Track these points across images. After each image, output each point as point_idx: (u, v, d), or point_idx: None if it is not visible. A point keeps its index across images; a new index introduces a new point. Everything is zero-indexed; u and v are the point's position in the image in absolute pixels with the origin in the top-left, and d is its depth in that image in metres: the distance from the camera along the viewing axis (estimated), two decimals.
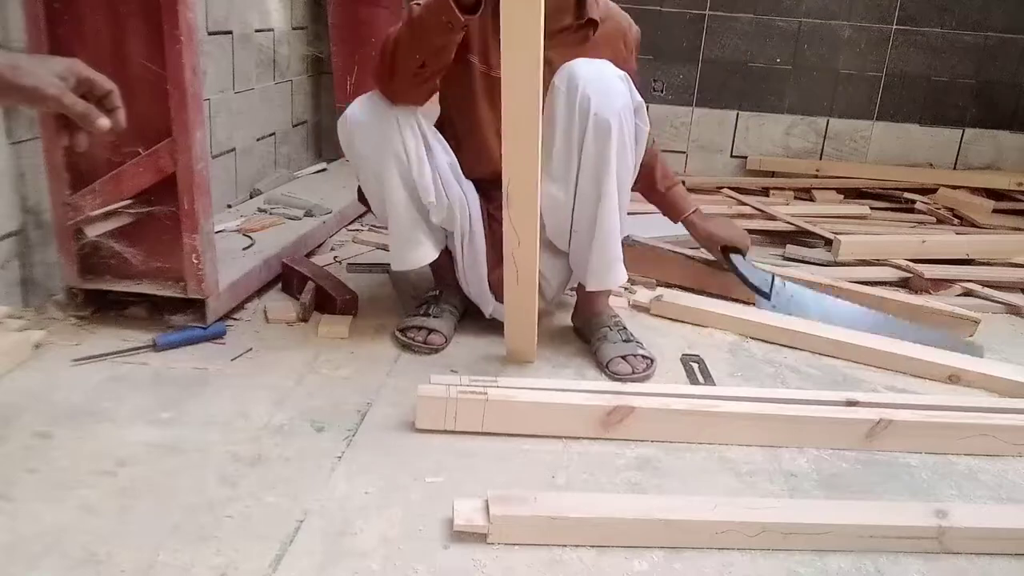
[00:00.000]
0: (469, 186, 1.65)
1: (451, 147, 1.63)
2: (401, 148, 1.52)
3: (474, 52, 1.60)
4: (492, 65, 1.60)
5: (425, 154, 1.55)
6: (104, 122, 0.98)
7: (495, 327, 1.73)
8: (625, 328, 1.68)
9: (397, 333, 1.66)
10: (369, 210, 1.73)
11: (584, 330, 1.74)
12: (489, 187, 1.67)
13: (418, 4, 1.40)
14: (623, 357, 1.59)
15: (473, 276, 1.68)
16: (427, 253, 1.64)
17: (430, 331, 1.64)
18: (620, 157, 1.51)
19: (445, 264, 1.71)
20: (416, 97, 1.55)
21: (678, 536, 1.10)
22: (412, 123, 1.53)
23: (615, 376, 1.57)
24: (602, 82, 1.48)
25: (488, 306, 1.71)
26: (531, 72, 1.26)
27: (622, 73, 1.51)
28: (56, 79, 0.94)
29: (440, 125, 1.71)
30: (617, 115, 1.48)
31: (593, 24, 1.61)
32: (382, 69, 1.49)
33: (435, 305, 1.71)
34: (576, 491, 1.22)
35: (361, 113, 1.54)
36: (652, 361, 1.61)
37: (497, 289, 1.64)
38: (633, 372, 1.57)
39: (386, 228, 1.71)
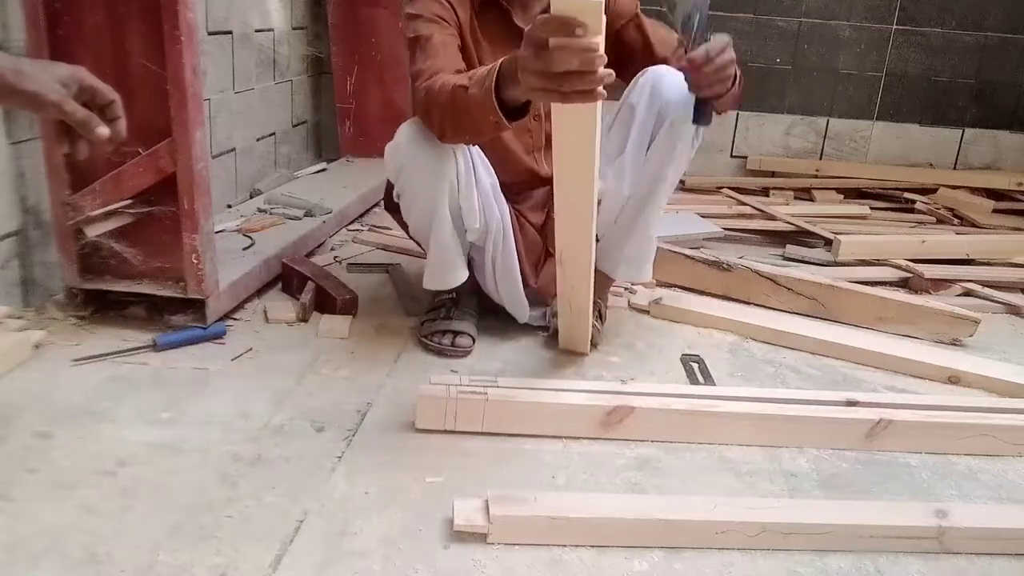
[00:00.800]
0: (503, 201, 1.64)
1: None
2: (454, 175, 1.51)
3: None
4: None
5: (473, 179, 1.55)
6: (104, 131, 0.97)
7: (497, 327, 1.73)
8: (599, 311, 1.72)
9: (422, 339, 1.66)
10: (397, 220, 1.72)
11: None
12: (512, 189, 1.67)
13: (465, 85, 1.31)
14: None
15: (505, 286, 1.68)
16: (462, 274, 1.64)
17: (456, 334, 1.64)
18: (678, 165, 1.59)
19: None
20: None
21: (678, 536, 1.10)
22: (464, 150, 1.53)
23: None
24: (684, 95, 1.50)
25: (524, 315, 1.72)
26: (586, 170, 1.22)
27: None
28: (58, 85, 0.94)
29: None
30: (689, 130, 1.54)
31: None
32: (431, 126, 1.45)
33: (454, 308, 1.69)
34: (576, 491, 1.21)
35: (414, 140, 1.51)
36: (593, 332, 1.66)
37: (544, 292, 1.71)
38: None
39: (397, 231, 1.72)
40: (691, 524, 1.10)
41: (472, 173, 1.54)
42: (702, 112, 1.45)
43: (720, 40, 1.37)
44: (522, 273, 1.67)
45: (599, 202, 1.63)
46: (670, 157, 1.57)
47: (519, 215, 1.70)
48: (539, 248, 1.73)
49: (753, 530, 1.10)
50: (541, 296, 1.72)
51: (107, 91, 1.00)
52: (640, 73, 1.58)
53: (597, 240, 1.70)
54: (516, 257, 1.66)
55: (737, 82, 1.45)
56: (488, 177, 1.60)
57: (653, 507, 1.14)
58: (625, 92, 1.60)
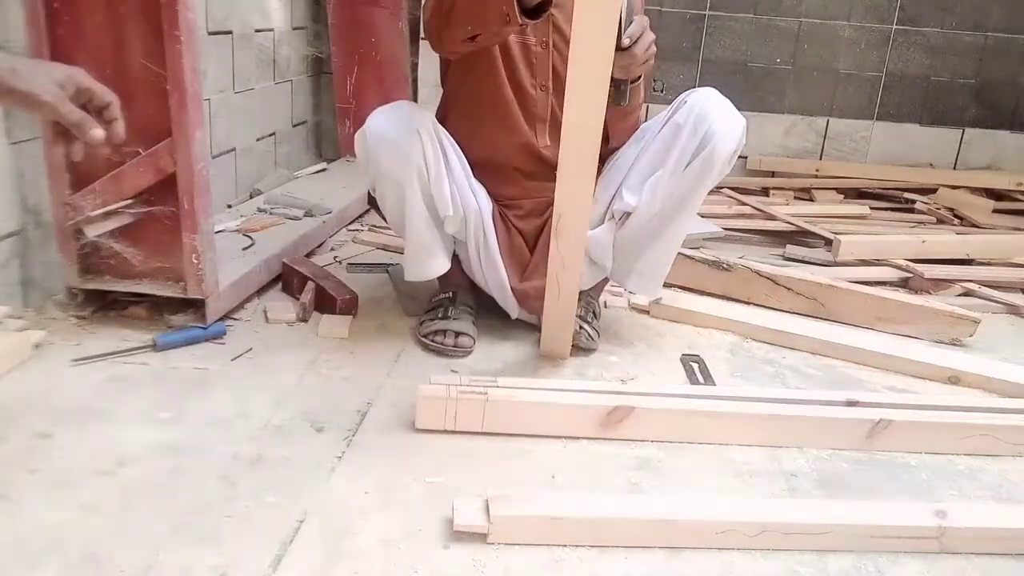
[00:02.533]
0: (480, 190, 1.65)
1: (459, 131, 1.62)
2: (422, 161, 1.51)
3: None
4: (527, 32, 1.57)
5: (444, 167, 1.55)
6: (98, 133, 0.97)
7: (497, 327, 1.73)
8: (594, 310, 1.74)
9: (422, 339, 1.66)
10: (379, 214, 1.72)
11: None
12: (502, 181, 1.66)
13: None
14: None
15: (494, 282, 1.68)
16: (442, 264, 1.65)
17: (457, 334, 1.64)
18: (710, 185, 1.59)
19: (452, 267, 1.70)
20: (459, 54, 1.54)
21: (678, 536, 1.10)
22: (432, 134, 1.53)
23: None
24: (731, 124, 1.54)
25: (514, 311, 1.72)
26: (593, 114, 1.25)
27: (744, 122, 1.57)
28: (54, 86, 0.94)
29: (446, 105, 1.71)
30: (726, 158, 1.55)
31: None
32: (437, 19, 1.46)
33: (452, 307, 1.69)
34: (576, 491, 1.22)
35: (382, 127, 1.52)
36: (593, 338, 1.67)
37: (524, 301, 1.68)
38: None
39: (391, 230, 1.72)
40: (691, 524, 1.10)
41: (441, 159, 1.54)
42: (622, 93, 1.51)
43: (640, 23, 1.42)
44: (506, 269, 1.67)
45: (627, 215, 1.64)
46: (704, 180, 1.57)
47: (504, 217, 1.68)
48: (524, 256, 1.69)
49: (753, 530, 1.10)
50: (524, 302, 1.69)
51: (104, 93, 0.99)
52: (688, 92, 1.59)
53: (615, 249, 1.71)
54: (497, 250, 1.65)
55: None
56: (460, 164, 1.60)
57: (653, 507, 1.14)
58: (669, 110, 1.60)
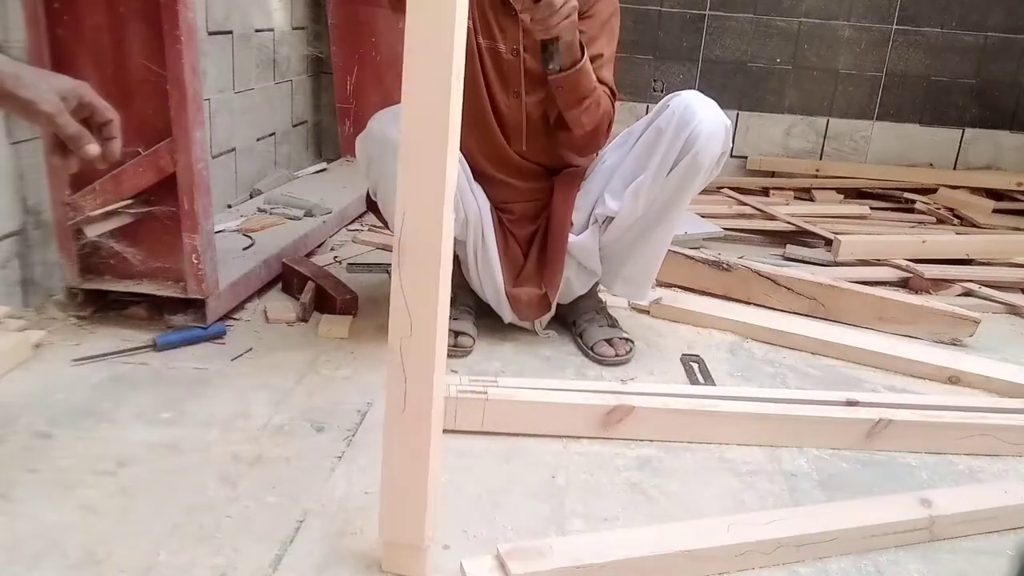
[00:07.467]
0: (479, 192, 1.65)
1: None
2: None
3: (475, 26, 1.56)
4: (497, 40, 1.58)
5: None
6: (93, 149, 0.96)
7: (497, 327, 1.73)
8: (609, 313, 1.75)
9: None
10: (378, 217, 1.72)
11: (568, 311, 1.76)
12: (487, 185, 1.67)
13: None
14: (607, 341, 1.66)
15: (489, 284, 1.69)
16: None
17: (457, 333, 1.64)
18: (696, 189, 1.59)
19: (452, 268, 1.70)
20: None
21: (699, 565, 1.06)
22: None
23: (598, 357, 1.65)
24: (714, 127, 1.52)
25: (507, 316, 1.72)
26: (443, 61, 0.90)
27: (729, 123, 1.55)
28: (55, 97, 0.93)
29: None
30: (712, 161, 1.55)
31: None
32: None
33: (451, 307, 1.69)
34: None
35: (384, 130, 1.52)
36: (633, 344, 1.68)
37: (517, 306, 1.68)
38: (616, 355, 1.65)
39: (391, 232, 1.72)
40: (711, 551, 1.06)
41: None
42: (550, 54, 1.48)
43: None
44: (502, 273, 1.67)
45: (610, 220, 1.63)
46: (690, 184, 1.56)
47: (501, 221, 1.69)
48: (519, 261, 1.70)
49: (769, 547, 1.08)
50: (516, 305, 1.69)
51: (106, 110, 0.99)
52: (671, 96, 1.57)
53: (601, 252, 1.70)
54: (496, 253, 1.66)
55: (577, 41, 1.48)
56: (461, 166, 1.59)
57: (672, 538, 1.07)
58: (652, 113, 1.60)
